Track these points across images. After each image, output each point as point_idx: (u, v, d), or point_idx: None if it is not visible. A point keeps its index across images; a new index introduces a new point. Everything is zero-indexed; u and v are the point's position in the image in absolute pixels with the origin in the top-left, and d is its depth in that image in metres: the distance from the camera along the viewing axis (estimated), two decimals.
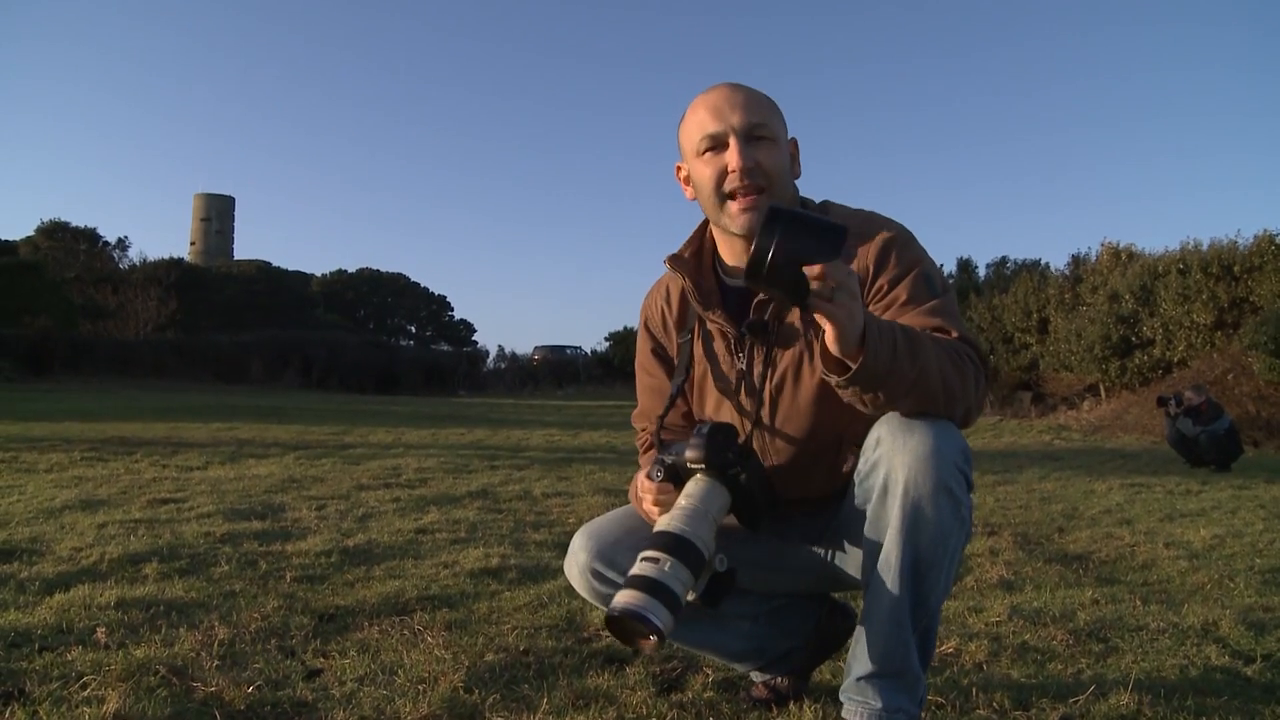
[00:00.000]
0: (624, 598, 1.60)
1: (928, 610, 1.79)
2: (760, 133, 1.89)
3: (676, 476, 1.82)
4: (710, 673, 2.42)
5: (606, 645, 2.68)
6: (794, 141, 1.99)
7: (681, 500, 1.76)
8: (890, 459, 1.73)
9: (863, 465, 1.81)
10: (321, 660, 2.50)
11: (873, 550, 1.79)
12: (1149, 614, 3.14)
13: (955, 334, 1.77)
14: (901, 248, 1.87)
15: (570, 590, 3.29)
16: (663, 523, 1.72)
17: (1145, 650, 2.73)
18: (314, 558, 3.82)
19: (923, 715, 2.03)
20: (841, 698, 1.86)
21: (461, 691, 2.24)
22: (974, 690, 2.29)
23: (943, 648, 2.68)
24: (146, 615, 2.86)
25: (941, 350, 1.70)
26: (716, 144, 1.90)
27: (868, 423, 1.81)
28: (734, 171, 1.88)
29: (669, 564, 1.63)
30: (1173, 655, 2.67)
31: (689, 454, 1.79)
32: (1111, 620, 3.04)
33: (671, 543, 1.66)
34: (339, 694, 2.23)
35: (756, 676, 2.25)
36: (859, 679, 1.81)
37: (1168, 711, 2.19)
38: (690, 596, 1.67)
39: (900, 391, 1.66)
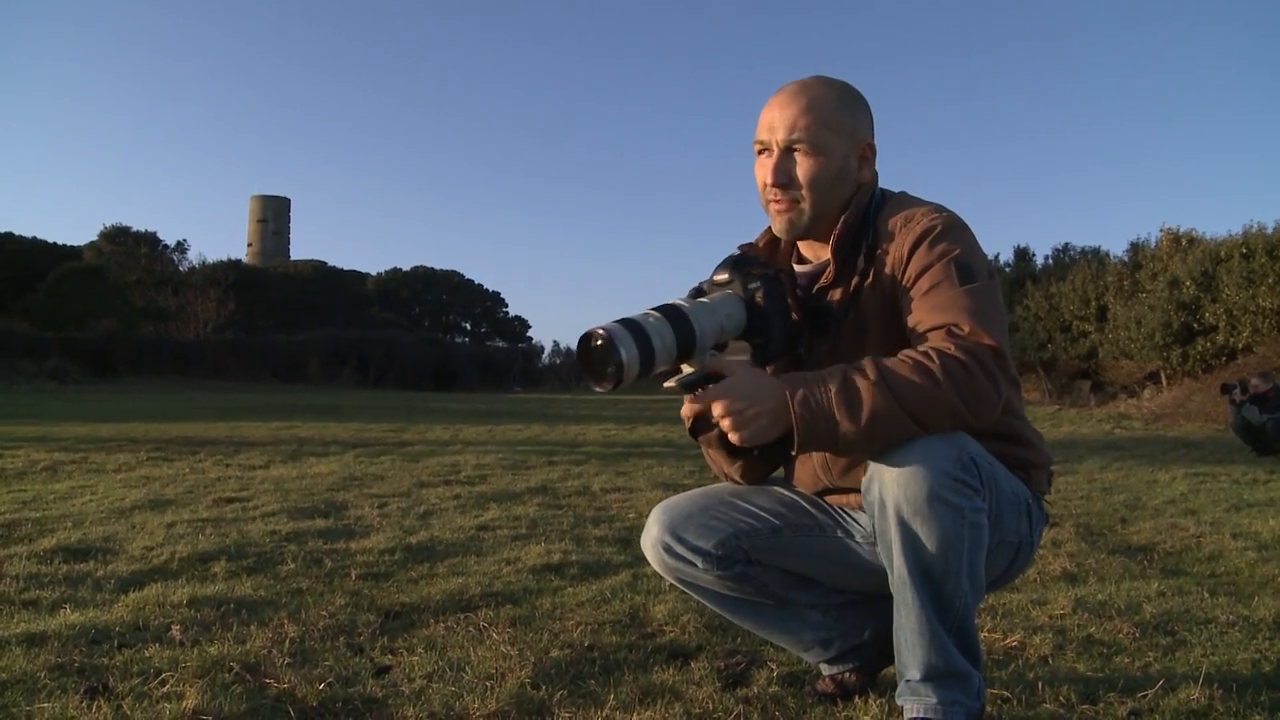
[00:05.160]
0: (605, 326, 1.65)
1: (954, 614, 1.79)
2: (800, 146, 1.94)
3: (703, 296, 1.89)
4: (775, 667, 2.42)
5: (670, 641, 2.69)
6: (865, 145, 2.00)
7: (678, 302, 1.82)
8: (881, 474, 1.75)
9: (865, 477, 1.81)
10: (390, 657, 2.54)
11: (888, 562, 1.81)
12: (1217, 606, 3.09)
13: (967, 329, 1.75)
14: (937, 237, 1.87)
15: (633, 585, 3.32)
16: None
17: (1215, 644, 2.69)
18: (378, 555, 3.87)
19: (987, 708, 2.03)
20: (898, 701, 1.86)
21: (529, 688, 2.26)
22: (1040, 684, 2.28)
23: (1006, 641, 2.67)
24: (218, 613, 2.92)
25: (900, 380, 1.68)
26: (764, 150, 2.00)
27: None
28: (767, 185, 1.98)
29: (655, 319, 1.69)
30: (1244, 649, 2.63)
31: (714, 274, 1.90)
32: (1179, 613, 3.01)
33: (669, 309, 1.73)
34: (408, 691, 2.26)
35: (825, 669, 2.26)
36: (908, 682, 1.83)
37: (1240, 707, 2.16)
38: (670, 383, 1.78)
39: (861, 445, 1.71)
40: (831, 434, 1.68)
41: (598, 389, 1.68)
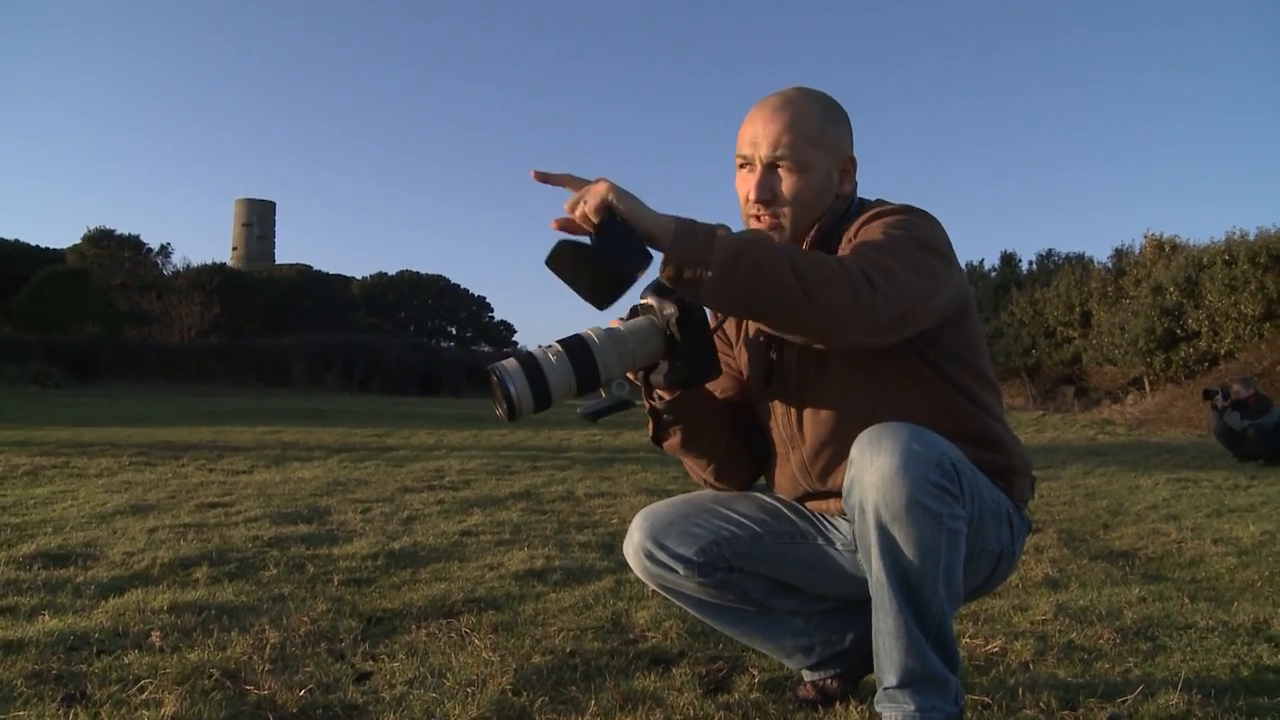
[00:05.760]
0: (504, 362, 1.75)
1: (933, 619, 1.79)
2: (784, 162, 1.93)
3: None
4: (756, 674, 2.42)
5: (653, 647, 2.69)
6: (847, 159, 2.01)
7: (614, 323, 1.86)
8: (861, 479, 1.75)
9: (846, 481, 1.82)
10: (371, 663, 2.54)
11: (867, 566, 1.81)
12: (1197, 612, 3.11)
13: (854, 249, 1.77)
14: (886, 213, 1.89)
15: (616, 591, 3.32)
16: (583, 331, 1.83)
17: (1194, 649, 2.71)
18: (360, 561, 3.86)
19: (967, 714, 2.04)
20: (876, 708, 1.86)
21: (510, 694, 2.26)
22: (1020, 690, 2.28)
23: (988, 647, 2.68)
24: (198, 619, 2.90)
25: (795, 251, 1.69)
26: (746, 165, 1.99)
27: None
28: (750, 199, 1.98)
29: (555, 355, 1.75)
30: (1223, 654, 2.65)
31: (641, 296, 1.92)
32: (1159, 618, 3.02)
33: (573, 342, 1.78)
34: (389, 697, 2.26)
35: (806, 675, 2.26)
36: (887, 689, 1.83)
37: (1219, 712, 2.17)
38: (577, 407, 1.84)
39: (733, 272, 1.64)
40: (704, 249, 1.63)
41: (500, 416, 1.76)
